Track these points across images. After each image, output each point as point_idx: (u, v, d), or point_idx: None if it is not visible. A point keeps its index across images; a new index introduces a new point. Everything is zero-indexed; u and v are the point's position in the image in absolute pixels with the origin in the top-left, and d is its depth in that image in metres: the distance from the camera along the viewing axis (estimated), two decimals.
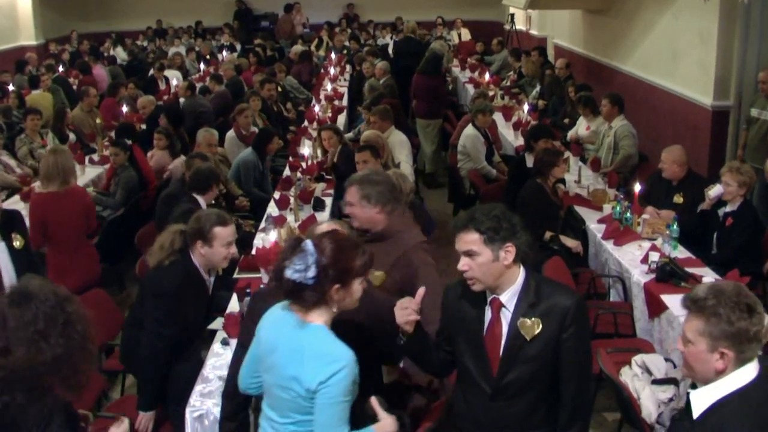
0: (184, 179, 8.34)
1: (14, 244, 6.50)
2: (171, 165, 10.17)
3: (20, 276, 5.97)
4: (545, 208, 7.99)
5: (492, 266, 3.77)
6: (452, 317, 4.02)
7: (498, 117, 12.52)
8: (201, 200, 7.57)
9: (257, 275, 6.70)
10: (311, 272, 3.44)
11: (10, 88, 15.96)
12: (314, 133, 11.67)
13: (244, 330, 4.43)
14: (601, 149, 10.37)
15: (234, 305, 6.13)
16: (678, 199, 8.03)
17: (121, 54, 21.88)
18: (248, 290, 5.90)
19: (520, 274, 3.87)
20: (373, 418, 3.68)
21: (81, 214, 7.91)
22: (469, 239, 3.77)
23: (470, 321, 3.94)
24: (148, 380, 5.35)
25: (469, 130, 10.84)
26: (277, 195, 8.99)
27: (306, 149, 10.30)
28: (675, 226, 7.23)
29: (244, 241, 8.25)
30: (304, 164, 9.81)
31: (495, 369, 3.87)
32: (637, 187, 7.94)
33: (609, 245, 7.56)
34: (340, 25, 24.68)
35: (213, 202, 7.98)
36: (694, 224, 7.66)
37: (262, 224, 8.32)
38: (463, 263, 3.81)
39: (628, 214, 7.79)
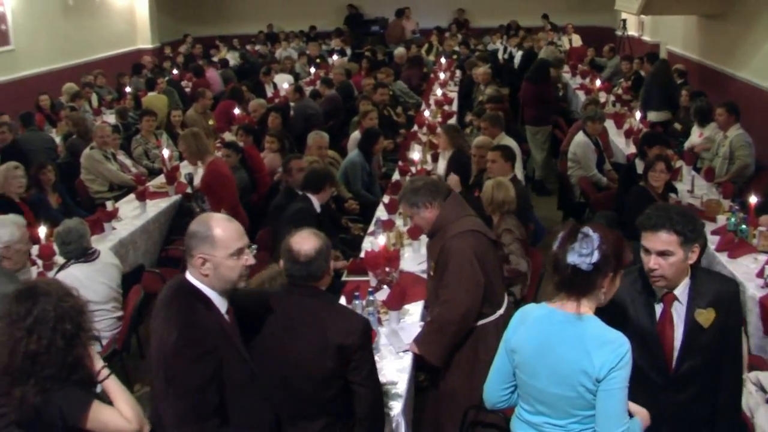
0: (287, 186, 8.48)
1: None
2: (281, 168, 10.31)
3: None
4: None
5: (681, 266, 3.90)
6: (615, 314, 4.00)
7: (609, 124, 12.36)
8: (314, 199, 7.65)
9: (365, 278, 6.74)
10: (594, 257, 3.47)
11: (127, 90, 16.39)
12: (424, 138, 11.70)
13: None
14: (715, 159, 10.14)
15: None
16: None
17: (232, 57, 22.21)
18: (356, 293, 5.93)
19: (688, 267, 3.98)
20: None
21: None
22: (667, 239, 3.85)
23: (639, 317, 4.00)
24: None
25: (580, 137, 10.72)
26: (386, 199, 9.02)
27: (415, 154, 10.32)
28: None
29: (353, 244, 8.31)
30: (413, 168, 9.83)
31: (670, 361, 3.99)
32: (753, 199, 7.72)
33: (723, 257, 7.36)
34: (450, 30, 24.62)
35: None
36: None
37: (371, 228, 8.34)
38: (655, 262, 3.88)
39: (744, 226, 7.59)
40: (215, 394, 3.75)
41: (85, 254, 6.65)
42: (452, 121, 13.22)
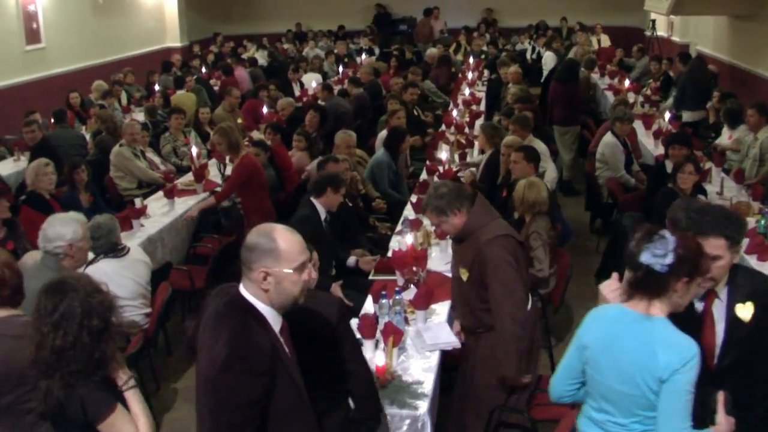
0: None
1: None
2: (309, 166, 10.32)
3: None
4: None
5: (727, 268, 3.94)
6: None
7: (638, 125, 12.29)
8: (317, 204, 7.49)
9: (392, 277, 6.74)
10: (668, 259, 3.47)
11: (156, 87, 16.49)
12: (452, 137, 11.69)
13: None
14: (745, 160, 10.06)
15: (369, 307, 6.18)
16: None
17: (261, 56, 22.28)
18: (383, 292, 5.93)
19: None
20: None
21: None
22: (717, 245, 3.87)
23: (680, 315, 3.91)
24: None
25: (608, 138, 10.68)
26: (414, 198, 9.02)
27: (443, 153, 10.32)
28: None
29: (380, 243, 8.32)
30: (441, 168, 9.82)
31: (711, 357, 4.00)
32: None
33: (752, 260, 7.29)
34: (478, 30, 24.59)
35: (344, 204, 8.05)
36: None
37: (399, 227, 8.36)
38: None
39: None
40: (258, 416, 3.56)
41: (114, 250, 6.68)
42: (480, 121, 13.20)
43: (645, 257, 3.49)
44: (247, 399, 3.50)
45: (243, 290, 3.67)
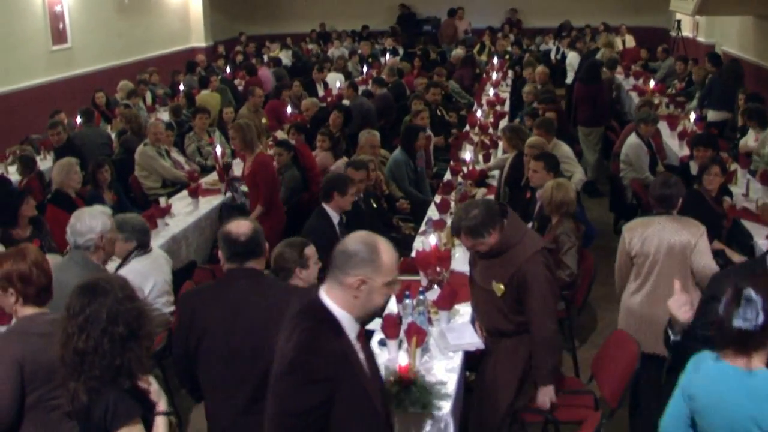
0: None
1: None
2: (333, 166, 10.32)
3: None
4: (705, 216, 7.76)
5: None
6: None
7: (663, 126, 12.24)
8: (328, 209, 7.50)
9: (416, 278, 6.72)
10: (760, 320, 3.48)
11: (181, 87, 16.55)
12: (476, 138, 11.68)
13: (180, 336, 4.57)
14: None
15: (392, 307, 6.18)
16: None
17: (285, 56, 22.32)
18: (407, 293, 5.93)
19: None
20: None
21: None
22: None
23: None
24: None
25: (632, 139, 10.63)
26: (437, 198, 9.01)
27: (467, 154, 10.31)
28: None
29: (404, 243, 8.31)
30: (465, 169, 9.81)
31: None
32: None
33: None
34: (502, 31, 24.55)
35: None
36: None
37: (422, 227, 8.35)
38: None
39: None
40: (318, 422, 3.53)
41: (145, 248, 6.72)
42: (504, 121, 13.18)
43: (738, 323, 3.50)
44: (303, 408, 3.51)
45: (323, 294, 3.68)
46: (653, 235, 6.13)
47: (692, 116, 12.65)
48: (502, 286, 5.39)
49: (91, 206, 6.27)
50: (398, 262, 3.74)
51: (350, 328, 3.65)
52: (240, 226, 4.54)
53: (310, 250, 5.56)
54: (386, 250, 3.66)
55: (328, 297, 3.64)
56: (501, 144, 10.99)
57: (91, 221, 5.46)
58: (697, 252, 6.04)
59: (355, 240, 3.66)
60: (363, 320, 3.74)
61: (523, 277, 5.27)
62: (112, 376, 3.58)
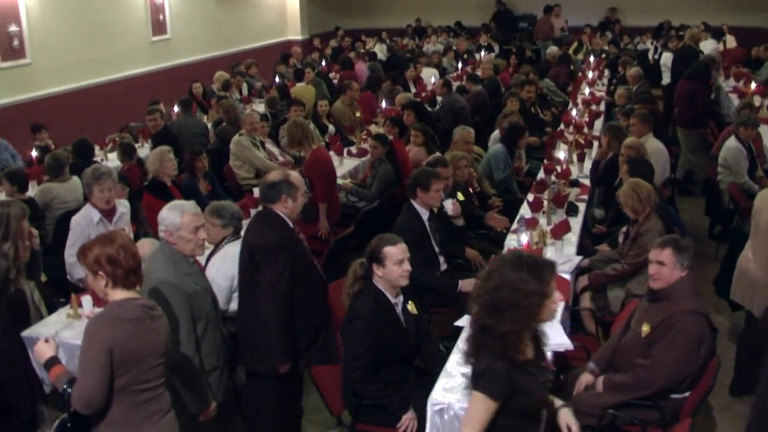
0: None
1: None
2: (426, 161, 10.29)
3: None
4: None
5: None
6: None
7: (764, 129, 11.92)
8: (415, 205, 7.40)
9: None
10: None
11: (276, 80, 16.72)
12: (570, 137, 11.55)
13: None
14: None
15: None
16: None
17: (379, 50, 22.36)
18: None
19: None
20: None
21: None
22: None
23: None
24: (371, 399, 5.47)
25: (731, 142, 10.38)
26: (530, 197, 8.93)
27: (561, 153, 10.21)
28: None
29: (496, 240, 8.27)
30: (558, 168, 9.71)
31: None
32: None
33: None
34: (600, 29, 24.24)
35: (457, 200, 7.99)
36: None
37: (514, 225, 8.29)
38: None
39: None
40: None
41: (238, 234, 6.83)
42: (599, 121, 13.02)
43: None
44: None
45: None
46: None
47: None
48: (647, 328, 5.38)
49: (187, 199, 6.33)
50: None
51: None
52: None
53: (390, 250, 5.47)
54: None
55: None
56: (595, 144, 10.85)
57: (163, 213, 5.50)
58: None
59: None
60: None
61: (671, 324, 5.24)
62: None
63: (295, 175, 5.97)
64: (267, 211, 5.82)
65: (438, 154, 9.76)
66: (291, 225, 5.79)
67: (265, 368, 5.74)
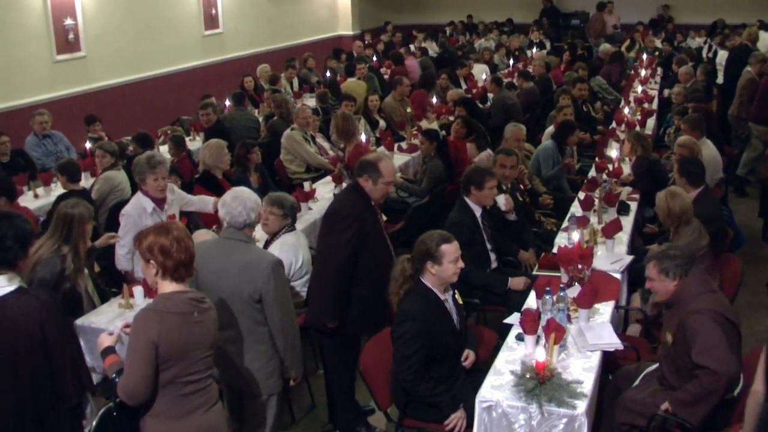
0: None
1: None
2: (477, 158, 10.27)
3: None
4: None
5: None
6: None
7: None
8: (469, 202, 7.38)
9: (557, 274, 6.67)
10: None
11: (327, 74, 16.78)
12: (622, 135, 11.46)
13: None
14: None
15: (531, 302, 6.15)
16: None
17: (432, 47, 22.34)
18: (548, 288, 5.88)
19: None
20: None
21: None
22: None
23: None
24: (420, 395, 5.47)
25: None
26: (581, 195, 8.88)
27: (613, 151, 10.14)
28: None
29: (546, 238, 8.24)
30: (610, 166, 9.64)
31: None
32: None
33: None
34: (653, 27, 24.00)
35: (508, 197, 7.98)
36: None
37: (565, 223, 8.25)
38: None
39: None
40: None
41: (294, 224, 6.99)
42: (652, 119, 12.89)
43: None
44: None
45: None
46: None
47: None
48: (670, 337, 5.39)
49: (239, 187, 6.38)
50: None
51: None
52: None
53: (448, 248, 5.47)
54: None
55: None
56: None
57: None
58: None
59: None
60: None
61: (684, 329, 5.19)
62: None
63: (387, 162, 6.18)
64: (354, 184, 6.20)
65: (489, 151, 9.74)
66: (371, 201, 6.08)
67: (314, 322, 6.13)
